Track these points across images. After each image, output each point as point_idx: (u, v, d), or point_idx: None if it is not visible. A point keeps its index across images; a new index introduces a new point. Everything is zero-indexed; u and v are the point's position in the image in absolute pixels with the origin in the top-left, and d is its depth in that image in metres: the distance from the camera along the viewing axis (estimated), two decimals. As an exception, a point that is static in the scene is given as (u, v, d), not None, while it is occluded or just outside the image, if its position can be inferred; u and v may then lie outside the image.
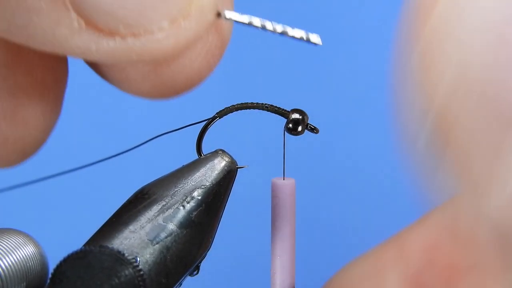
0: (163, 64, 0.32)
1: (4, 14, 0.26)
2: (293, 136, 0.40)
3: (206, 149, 0.40)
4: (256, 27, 0.31)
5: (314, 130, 0.40)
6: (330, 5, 1.02)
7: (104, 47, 0.28)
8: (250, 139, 0.92)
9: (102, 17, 0.27)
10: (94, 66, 0.34)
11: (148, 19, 0.28)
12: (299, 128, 0.39)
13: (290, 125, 0.39)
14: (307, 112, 0.39)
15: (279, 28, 0.32)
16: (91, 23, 0.27)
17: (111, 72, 0.33)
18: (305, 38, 0.32)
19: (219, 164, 0.39)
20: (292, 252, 0.40)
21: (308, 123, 0.39)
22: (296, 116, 0.39)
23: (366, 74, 1.00)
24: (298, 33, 0.32)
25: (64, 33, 0.27)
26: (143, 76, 0.32)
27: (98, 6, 0.27)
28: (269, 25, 0.31)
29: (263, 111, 0.40)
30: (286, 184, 0.41)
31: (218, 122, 0.40)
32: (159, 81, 0.33)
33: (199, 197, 0.37)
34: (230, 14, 0.31)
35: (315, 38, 0.32)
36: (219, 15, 0.30)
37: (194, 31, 0.29)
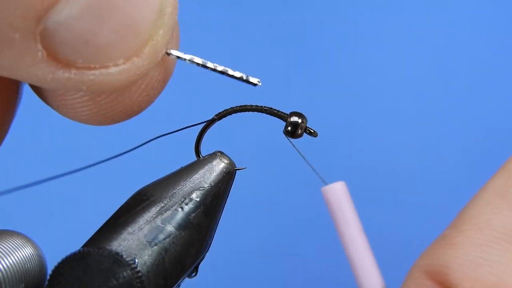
0: (103, 94, 0.33)
1: None
2: (292, 139, 0.40)
3: (204, 151, 0.40)
4: (198, 65, 0.34)
5: (313, 133, 0.40)
6: (330, 7, 1.02)
7: (59, 77, 0.29)
8: (248, 141, 0.92)
9: (65, 50, 0.28)
10: (36, 89, 0.35)
11: (106, 55, 0.29)
12: (298, 132, 0.39)
13: (289, 129, 0.39)
14: (306, 116, 0.39)
15: (219, 67, 0.34)
16: (52, 55, 0.28)
17: (50, 97, 0.35)
18: (244, 78, 0.35)
19: (218, 166, 0.39)
20: (368, 252, 0.38)
21: (307, 127, 0.39)
22: (295, 119, 0.39)
23: (367, 76, 1.00)
24: (237, 74, 0.34)
25: (27, 62, 0.28)
26: (82, 104, 0.34)
27: (65, 40, 0.28)
28: (210, 64, 0.34)
29: (262, 113, 0.40)
30: (337, 188, 0.39)
31: (216, 124, 0.40)
32: (97, 110, 0.34)
33: (198, 199, 0.37)
34: (176, 53, 0.33)
35: (254, 80, 0.35)
36: (167, 53, 0.33)
37: (145, 68, 0.31)
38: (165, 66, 0.35)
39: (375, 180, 0.96)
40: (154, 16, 0.30)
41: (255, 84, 0.35)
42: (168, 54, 0.33)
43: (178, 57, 0.33)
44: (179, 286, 0.38)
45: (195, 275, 0.39)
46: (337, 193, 0.38)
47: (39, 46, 0.28)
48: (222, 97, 0.86)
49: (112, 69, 0.30)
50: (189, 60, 0.34)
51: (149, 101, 0.35)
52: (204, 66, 0.34)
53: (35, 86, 0.35)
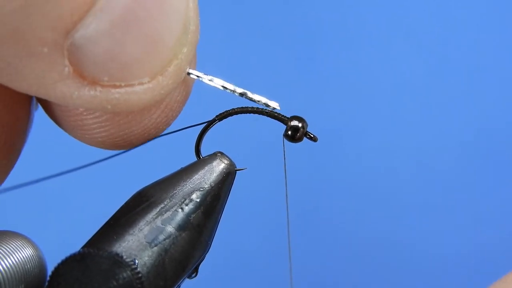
0: (126, 113, 0.33)
1: (4, 55, 0.27)
2: (292, 143, 0.39)
3: (205, 151, 0.40)
4: (217, 86, 0.35)
5: (313, 138, 0.39)
6: (333, 10, 1.02)
7: (84, 95, 0.29)
8: (249, 142, 0.92)
9: (92, 66, 0.28)
10: (49, 111, 0.35)
11: (132, 73, 0.29)
12: (297, 136, 0.39)
13: (289, 133, 0.39)
14: (306, 120, 0.39)
15: (238, 90, 0.35)
16: (78, 71, 0.28)
17: (66, 118, 0.35)
18: (263, 102, 0.36)
19: (218, 166, 0.39)
20: None
21: (307, 131, 0.39)
22: (295, 123, 0.39)
23: (368, 81, 1.00)
24: (256, 97, 0.35)
25: (53, 78, 0.28)
26: (99, 124, 0.33)
27: (91, 56, 0.28)
28: (229, 86, 0.35)
29: (263, 116, 0.40)
30: None
31: (217, 125, 0.40)
32: (115, 131, 0.34)
33: (198, 200, 0.37)
34: (196, 73, 0.33)
35: (273, 103, 0.36)
36: (188, 73, 0.33)
37: (169, 87, 0.31)
38: (185, 86, 0.34)
39: (375, 181, 0.96)
40: (179, 33, 0.30)
41: (274, 108, 0.36)
42: (188, 73, 0.33)
43: (198, 77, 0.33)
44: (179, 286, 0.38)
45: (195, 275, 0.39)
46: None
47: (66, 62, 0.28)
48: (223, 98, 0.86)
49: (137, 88, 0.30)
50: (209, 80, 0.34)
51: (167, 123, 0.35)
52: (223, 87, 0.34)
53: (48, 108, 0.35)
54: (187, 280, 0.38)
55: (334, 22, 1.02)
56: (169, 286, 0.36)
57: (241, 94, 0.35)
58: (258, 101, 0.35)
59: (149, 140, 0.35)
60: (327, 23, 1.02)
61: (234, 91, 0.34)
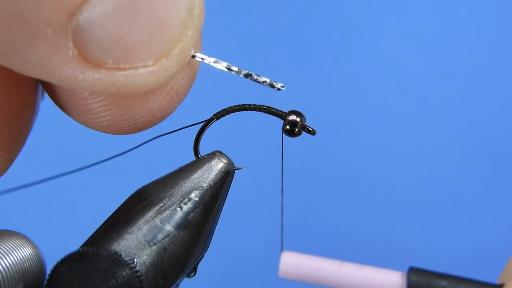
0: (130, 96, 0.33)
1: (7, 38, 0.27)
2: (290, 138, 0.39)
3: (203, 150, 0.40)
4: (223, 68, 0.34)
5: (311, 132, 0.40)
6: (329, 7, 1.02)
7: (88, 78, 0.29)
8: (247, 141, 0.92)
9: (96, 49, 0.28)
10: (55, 97, 0.35)
11: (136, 55, 0.29)
12: (296, 130, 0.39)
13: (288, 127, 0.39)
14: (304, 114, 0.39)
15: (243, 71, 0.35)
16: (82, 54, 0.28)
17: (71, 102, 0.34)
18: (268, 82, 0.35)
19: (217, 165, 0.39)
20: (365, 268, 0.34)
21: (305, 125, 0.39)
22: (293, 118, 0.39)
23: (365, 75, 1.00)
24: (262, 78, 0.35)
25: (57, 60, 0.28)
26: (104, 108, 0.33)
27: (96, 38, 0.28)
28: (234, 68, 0.35)
29: (261, 112, 0.40)
30: (288, 261, 0.34)
31: (215, 124, 0.40)
32: (120, 114, 0.34)
33: (196, 199, 0.37)
34: (200, 55, 0.33)
35: (278, 85, 0.35)
36: (192, 56, 0.33)
37: (174, 70, 0.31)
38: (190, 69, 0.34)
39: (375, 179, 0.96)
40: (184, 16, 0.30)
41: (278, 89, 0.35)
42: (193, 56, 0.33)
43: (202, 59, 0.33)
44: (178, 285, 0.38)
45: (194, 274, 0.39)
46: (293, 262, 0.34)
47: (71, 44, 0.28)
48: (220, 96, 0.86)
49: (142, 70, 0.29)
50: (213, 62, 0.34)
51: (172, 106, 0.35)
52: (229, 69, 0.34)
53: (53, 94, 0.35)
54: (186, 279, 0.38)
55: (335, 19, 1.02)
56: (168, 285, 0.36)
57: (246, 75, 0.35)
58: (264, 81, 0.35)
59: (154, 124, 0.35)
60: (328, 21, 1.02)
61: (239, 73, 0.34)
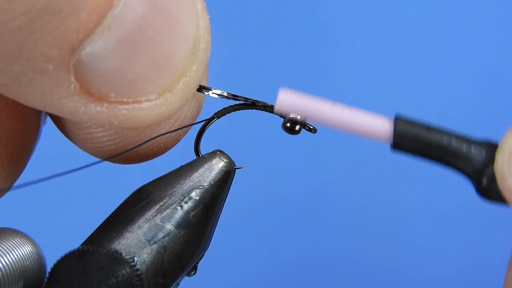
0: (133, 129, 0.33)
1: (10, 71, 0.27)
2: (290, 135, 0.39)
3: (204, 149, 0.40)
4: (228, 98, 0.35)
5: (312, 130, 0.40)
6: (330, 7, 1.02)
7: (91, 111, 0.29)
8: (248, 140, 0.92)
9: (98, 83, 0.28)
10: (59, 124, 0.35)
11: (139, 89, 0.29)
12: (297, 128, 0.39)
13: (288, 124, 0.39)
14: None
15: (250, 100, 0.36)
16: (84, 88, 0.28)
17: (75, 130, 0.35)
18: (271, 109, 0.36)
19: (217, 164, 0.39)
20: (356, 110, 0.35)
21: (305, 123, 0.39)
22: (294, 116, 0.39)
23: (365, 73, 1.00)
24: (264, 104, 0.36)
25: (59, 94, 0.28)
26: (108, 138, 0.34)
27: (98, 73, 0.28)
28: (241, 98, 0.35)
29: (261, 111, 0.40)
30: (286, 96, 0.34)
31: (216, 123, 0.40)
32: (124, 145, 0.34)
33: (197, 198, 0.37)
34: (207, 90, 0.34)
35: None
36: (198, 89, 0.33)
37: (178, 104, 0.31)
38: (195, 102, 0.34)
39: (374, 179, 0.96)
40: (189, 51, 0.30)
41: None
42: (199, 89, 0.33)
43: (207, 92, 0.34)
44: (178, 284, 0.38)
45: (194, 273, 0.39)
46: (289, 98, 0.34)
47: (72, 78, 0.28)
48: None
49: (145, 104, 0.29)
50: (219, 95, 0.34)
51: (177, 139, 0.35)
52: (235, 98, 0.35)
53: (58, 121, 0.35)
54: (186, 278, 0.38)
55: (335, 19, 1.02)
56: (168, 283, 0.36)
57: (253, 103, 0.35)
58: (267, 107, 0.35)
59: (157, 155, 0.35)
60: (329, 20, 1.02)
61: (246, 101, 0.35)
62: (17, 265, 0.35)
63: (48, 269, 0.34)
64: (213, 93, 0.34)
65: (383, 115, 0.35)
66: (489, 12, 1.03)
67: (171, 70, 0.30)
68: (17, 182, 0.37)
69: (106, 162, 0.39)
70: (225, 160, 0.39)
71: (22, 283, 0.35)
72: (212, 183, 0.38)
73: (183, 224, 0.36)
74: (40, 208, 0.90)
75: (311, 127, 0.39)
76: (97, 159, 0.39)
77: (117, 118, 0.29)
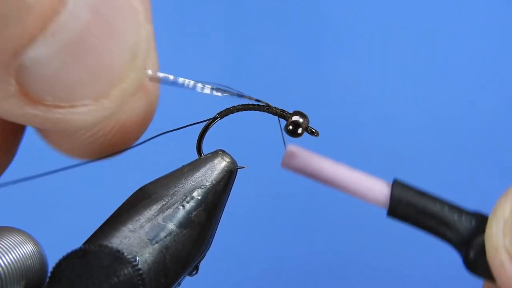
0: (70, 132, 0.35)
1: None
2: (292, 138, 0.39)
3: (206, 149, 0.40)
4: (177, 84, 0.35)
5: (314, 133, 0.40)
6: (332, 9, 1.02)
7: (27, 113, 0.29)
8: (250, 140, 0.92)
9: (37, 87, 0.29)
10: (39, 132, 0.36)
11: (76, 94, 0.30)
12: (299, 131, 0.39)
13: (290, 127, 0.39)
14: (308, 115, 0.39)
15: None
16: (23, 91, 0.29)
17: (41, 132, 0.36)
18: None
19: (219, 164, 0.39)
20: (356, 171, 0.36)
21: (308, 126, 0.39)
22: (297, 118, 0.39)
23: (368, 77, 1.00)
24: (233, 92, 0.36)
25: None
26: (61, 139, 0.35)
27: (37, 76, 0.29)
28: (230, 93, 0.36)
29: (264, 112, 0.40)
30: (293, 151, 0.37)
31: (218, 123, 0.40)
32: (76, 146, 0.36)
33: (199, 197, 0.37)
34: (157, 74, 0.34)
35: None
36: (150, 79, 0.34)
37: (112, 110, 0.32)
38: (143, 112, 0.36)
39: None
40: (127, 60, 0.31)
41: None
42: (152, 78, 0.33)
43: (159, 79, 0.34)
44: (180, 284, 0.38)
45: (196, 273, 0.39)
46: (296, 155, 0.36)
47: (12, 81, 0.28)
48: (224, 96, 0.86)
49: (80, 109, 0.30)
50: (171, 81, 0.34)
51: (124, 144, 0.36)
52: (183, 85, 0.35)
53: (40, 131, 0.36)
54: (187, 277, 0.38)
55: (336, 19, 1.02)
56: (169, 283, 0.36)
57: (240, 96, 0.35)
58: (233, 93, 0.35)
59: (114, 155, 0.36)
60: (329, 21, 1.02)
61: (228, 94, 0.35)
62: (19, 264, 0.35)
63: (50, 268, 0.34)
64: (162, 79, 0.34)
65: (381, 179, 0.37)
66: (495, 14, 1.03)
67: (108, 77, 0.30)
68: (17, 178, 0.38)
69: (109, 160, 0.39)
70: (227, 160, 0.39)
71: (23, 282, 0.35)
72: (214, 182, 0.38)
73: (185, 223, 0.36)
74: (42, 207, 0.90)
75: (314, 130, 0.39)
76: (98, 158, 0.39)
77: (51, 121, 0.30)
